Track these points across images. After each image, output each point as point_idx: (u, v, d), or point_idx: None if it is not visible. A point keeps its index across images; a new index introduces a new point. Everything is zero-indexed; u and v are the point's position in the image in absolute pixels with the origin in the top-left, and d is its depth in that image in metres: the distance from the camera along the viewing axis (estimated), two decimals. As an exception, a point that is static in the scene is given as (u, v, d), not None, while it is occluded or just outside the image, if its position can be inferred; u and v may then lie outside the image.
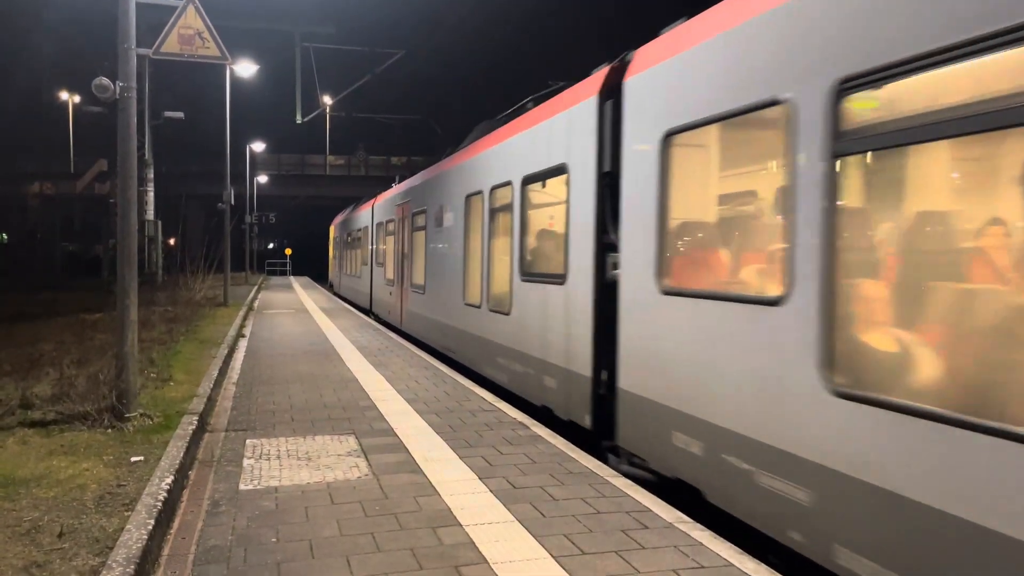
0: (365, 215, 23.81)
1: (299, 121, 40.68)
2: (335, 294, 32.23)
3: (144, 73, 27.72)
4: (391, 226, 18.03)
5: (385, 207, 19.34)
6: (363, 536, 4.40)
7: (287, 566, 3.97)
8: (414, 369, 10.65)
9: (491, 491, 5.24)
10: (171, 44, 7.54)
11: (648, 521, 4.70)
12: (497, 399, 8.52)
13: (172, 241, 38.26)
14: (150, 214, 30.60)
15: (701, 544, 4.33)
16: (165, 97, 31.98)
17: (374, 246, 21.22)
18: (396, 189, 18.16)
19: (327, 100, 43.77)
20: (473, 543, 4.30)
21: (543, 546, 4.27)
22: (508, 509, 4.87)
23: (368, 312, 21.84)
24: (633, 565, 4.04)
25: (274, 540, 4.33)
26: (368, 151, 59.11)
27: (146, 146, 29.19)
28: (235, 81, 23.80)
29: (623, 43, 7.52)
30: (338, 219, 35.78)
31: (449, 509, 4.87)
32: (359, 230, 25.29)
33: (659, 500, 5.11)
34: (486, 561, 4.06)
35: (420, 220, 14.29)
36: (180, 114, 27.34)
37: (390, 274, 18.09)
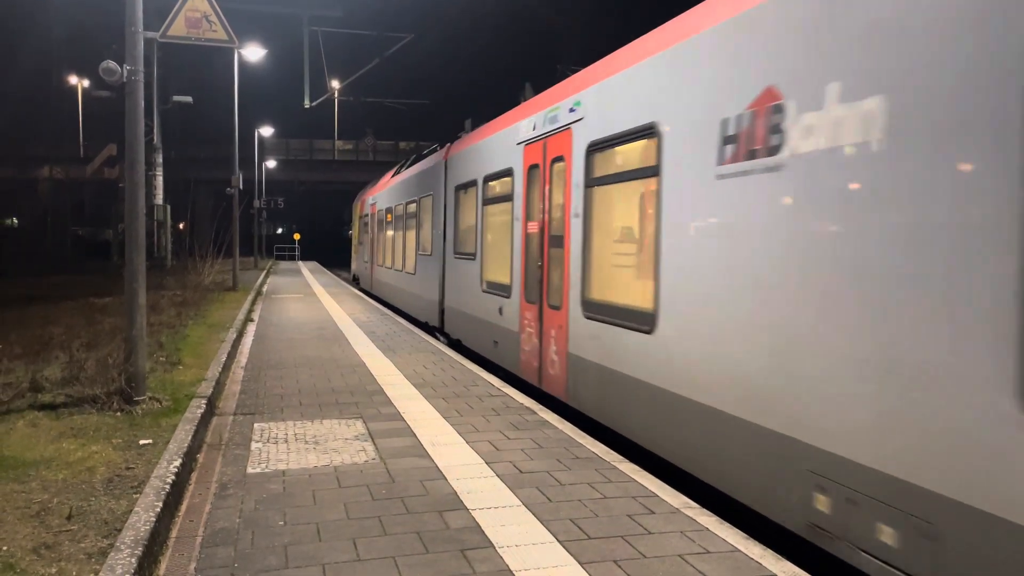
0: (429, 175, 14.99)
1: (307, 105, 40.63)
2: (363, 291, 24.58)
3: (152, 57, 27.72)
4: (497, 187, 10.20)
5: (478, 156, 11.12)
6: (370, 520, 4.42)
7: (294, 549, 3.99)
8: (421, 355, 10.66)
9: (498, 475, 5.25)
10: (178, 27, 7.53)
11: (654, 506, 4.70)
12: (504, 384, 8.53)
13: (181, 225, 38.35)
14: (159, 198, 30.71)
15: (707, 529, 4.33)
16: (174, 82, 31.97)
17: (450, 227, 12.88)
18: (505, 120, 10.15)
19: (335, 84, 43.71)
20: (479, 527, 4.32)
21: (549, 530, 4.28)
22: (514, 494, 4.88)
23: (436, 332, 13.61)
24: (639, 550, 4.04)
25: (281, 523, 4.35)
26: (377, 136, 59.07)
27: (155, 130, 29.23)
28: (243, 65, 23.77)
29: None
30: (370, 191, 26.53)
31: (456, 493, 4.88)
32: (412, 202, 16.67)
33: (665, 485, 5.11)
34: (492, 545, 4.07)
35: (609, 162, 6.89)
36: (188, 98, 27.32)
37: (494, 274, 10.23)
